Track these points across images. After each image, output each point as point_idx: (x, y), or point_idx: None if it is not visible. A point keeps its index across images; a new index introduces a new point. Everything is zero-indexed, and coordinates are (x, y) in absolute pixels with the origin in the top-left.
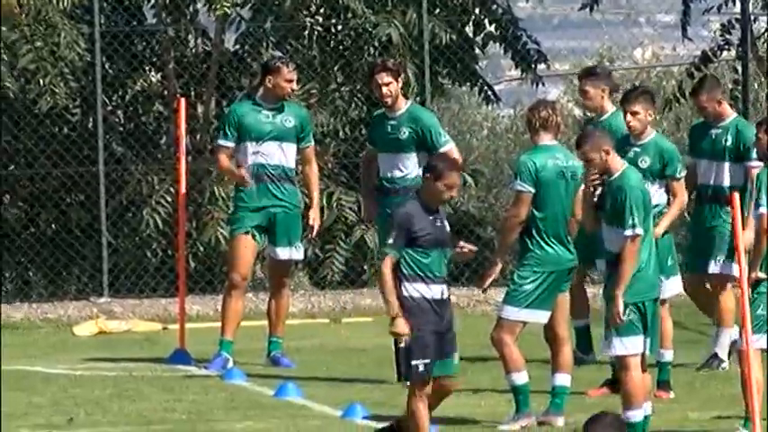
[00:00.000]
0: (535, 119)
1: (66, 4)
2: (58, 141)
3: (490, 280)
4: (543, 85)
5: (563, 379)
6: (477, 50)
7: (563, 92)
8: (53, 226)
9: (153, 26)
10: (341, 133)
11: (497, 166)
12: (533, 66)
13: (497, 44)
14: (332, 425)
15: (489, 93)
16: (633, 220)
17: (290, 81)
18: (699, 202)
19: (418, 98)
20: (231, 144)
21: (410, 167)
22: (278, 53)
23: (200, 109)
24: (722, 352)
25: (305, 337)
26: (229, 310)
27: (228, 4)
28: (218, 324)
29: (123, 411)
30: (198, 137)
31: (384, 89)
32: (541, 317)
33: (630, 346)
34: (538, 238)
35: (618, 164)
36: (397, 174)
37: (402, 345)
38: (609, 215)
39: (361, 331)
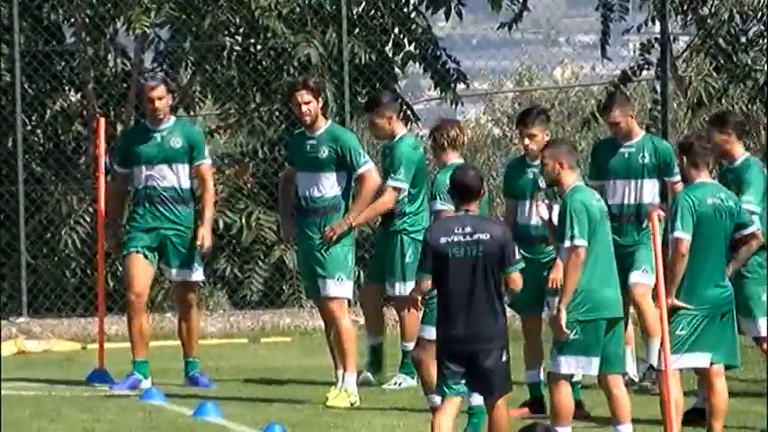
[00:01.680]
0: (443, 138)
1: None
2: None
3: None
4: (462, 104)
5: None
6: (397, 70)
7: (482, 111)
8: None
9: (72, 45)
10: (260, 153)
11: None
12: (453, 85)
13: (417, 63)
14: None
15: (408, 112)
16: (572, 231)
17: (154, 99)
18: (618, 221)
19: (338, 118)
20: (122, 170)
21: (329, 187)
22: (148, 71)
23: (119, 128)
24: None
25: (223, 357)
26: (133, 329)
27: (147, 24)
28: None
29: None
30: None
31: (304, 107)
32: None
33: (573, 365)
34: None
35: (570, 180)
36: (316, 193)
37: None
38: (558, 231)
39: (280, 351)
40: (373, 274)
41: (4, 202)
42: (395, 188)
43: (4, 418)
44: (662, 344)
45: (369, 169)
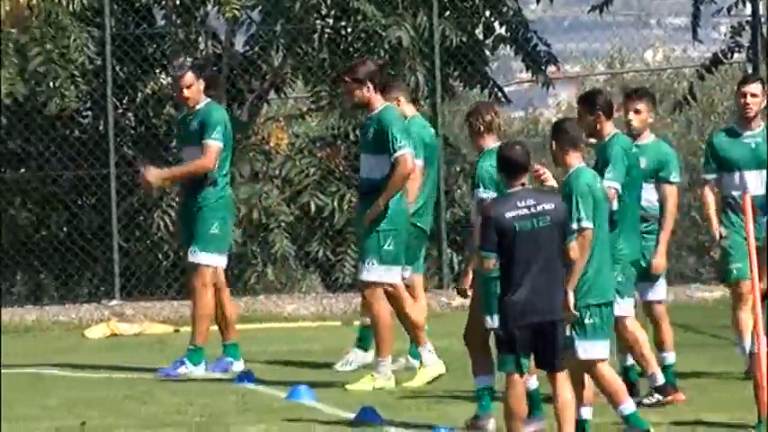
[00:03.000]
0: (479, 122)
1: (76, 6)
2: (68, 144)
3: None
4: (553, 87)
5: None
6: (488, 53)
7: (574, 94)
8: (64, 229)
9: (163, 29)
10: (351, 135)
11: None
12: (544, 68)
13: (508, 46)
14: (344, 428)
15: (500, 95)
16: (579, 213)
17: (182, 87)
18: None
19: (429, 100)
20: None
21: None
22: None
23: None
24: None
25: (317, 340)
26: (219, 313)
27: (238, 6)
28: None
29: (136, 414)
30: None
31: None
32: None
33: (595, 350)
34: None
35: (574, 161)
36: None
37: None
38: None
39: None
40: None
41: (96, 186)
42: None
43: (97, 399)
44: (755, 326)
45: (403, 153)
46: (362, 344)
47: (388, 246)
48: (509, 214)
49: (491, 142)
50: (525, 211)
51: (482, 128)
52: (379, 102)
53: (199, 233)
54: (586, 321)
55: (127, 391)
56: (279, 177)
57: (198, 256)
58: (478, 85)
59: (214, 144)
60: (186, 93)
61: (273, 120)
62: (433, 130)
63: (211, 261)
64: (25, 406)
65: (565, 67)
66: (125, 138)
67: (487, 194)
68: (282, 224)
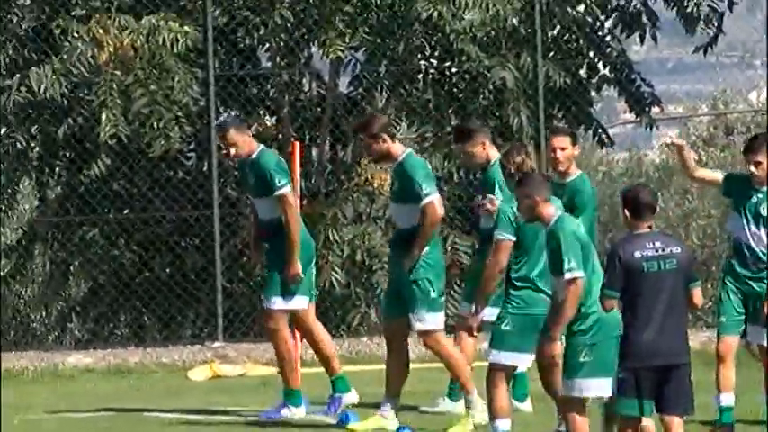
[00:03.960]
0: (510, 164)
1: (180, 48)
2: (172, 185)
3: None
4: (658, 128)
5: None
6: (592, 93)
7: (677, 135)
8: (167, 270)
9: (267, 70)
10: (455, 176)
11: (612, 209)
12: (647, 109)
13: (612, 87)
14: None
15: (604, 136)
16: (570, 264)
17: (225, 148)
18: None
19: (533, 142)
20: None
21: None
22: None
23: (314, 152)
24: None
25: (421, 382)
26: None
27: (342, 48)
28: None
29: None
30: (312, 180)
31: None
32: None
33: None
34: None
35: (551, 210)
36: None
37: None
38: (549, 263)
39: (481, 375)
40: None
41: (200, 227)
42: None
43: None
44: None
45: (431, 200)
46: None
47: (434, 293)
48: (638, 254)
49: None
50: (653, 252)
51: (512, 169)
52: (399, 150)
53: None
54: (581, 359)
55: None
56: (382, 218)
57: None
58: (582, 126)
59: (286, 190)
60: (234, 151)
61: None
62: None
63: (289, 305)
64: None
65: (668, 108)
66: (229, 179)
67: (504, 236)
68: (386, 265)
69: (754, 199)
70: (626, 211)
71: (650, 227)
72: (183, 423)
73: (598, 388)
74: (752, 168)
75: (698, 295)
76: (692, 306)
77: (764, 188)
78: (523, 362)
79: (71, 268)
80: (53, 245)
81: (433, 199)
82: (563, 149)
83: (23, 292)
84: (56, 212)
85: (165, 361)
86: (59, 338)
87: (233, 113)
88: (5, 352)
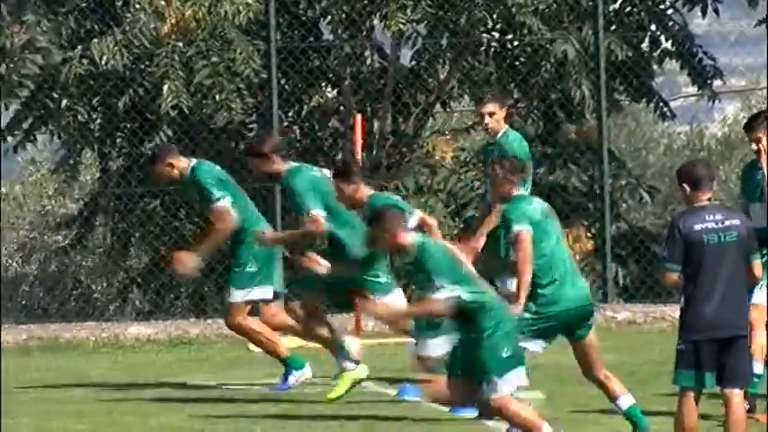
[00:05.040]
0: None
1: (242, 19)
2: (233, 157)
3: None
4: (720, 101)
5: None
6: (653, 67)
7: (739, 108)
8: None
9: (329, 42)
10: None
11: (674, 182)
12: (709, 82)
13: (673, 60)
14: None
15: (665, 109)
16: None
17: None
18: None
19: (595, 114)
20: None
21: None
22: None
23: (376, 125)
24: None
25: None
26: None
27: (404, 20)
28: (394, 340)
29: (299, 428)
30: (374, 153)
31: None
32: None
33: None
34: None
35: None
36: None
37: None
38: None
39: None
40: None
41: (261, 199)
42: None
43: (261, 413)
44: None
45: (313, 215)
46: None
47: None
48: (698, 227)
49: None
50: (713, 225)
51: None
52: (284, 167)
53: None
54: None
55: (291, 406)
56: (443, 191)
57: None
58: (644, 99)
59: (219, 204)
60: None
61: (439, 133)
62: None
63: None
64: (188, 419)
65: (730, 81)
66: (290, 151)
67: (521, 227)
68: (447, 238)
69: (759, 176)
70: (684, 184)
71: (710, 199)
72: (244, 395)
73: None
74: (753, 147)
75: (758, 267)
76: (752, 278)
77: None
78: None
79: (132, 239)
80: (114, 216)
81: (314, 213)
82: (491, 115)
83: (84, 263)
84: (117, 184)
85: (226, 332)
86: (120, 309)
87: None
88: (65, 322)
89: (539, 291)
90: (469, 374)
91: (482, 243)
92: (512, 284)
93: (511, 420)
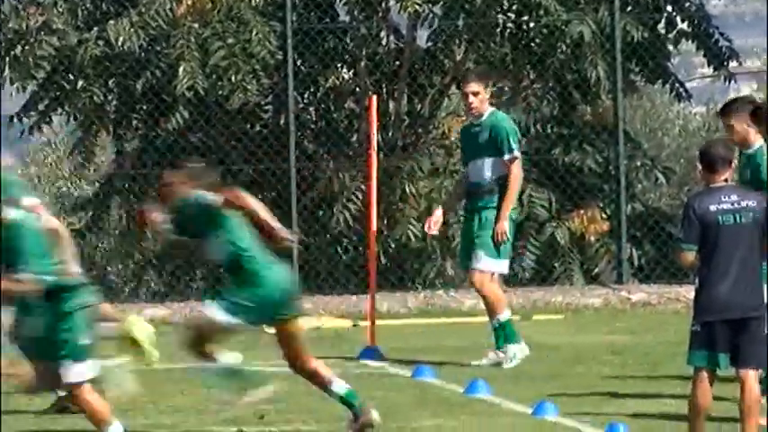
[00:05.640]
0: None
1: (258, 1)
2: (249, 138)
3: None
4: (735, 82)
5: None
6: (670, 47)
7: (755, 89)
8: None
9: (345, 23)
10: (532, 130)
11: (689, 163)
12: (725, 63)
13: (689, 41)
14: (523, 423)
15: (681, 90)
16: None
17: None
18: None
19: (610, 95)
20: None
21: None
22: None
23: (391, 106)
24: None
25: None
26: None
27: (419, 2)
28: (409, 321)
29: (313, 409)
30: (390, 134)
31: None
32: None
33: None
34: None
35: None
36: None
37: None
38: None
39: (552, 328)
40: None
41: (277, 180)
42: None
43: (276, 392)
44: None
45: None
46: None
47: None
48: (713, 207)
49: None
50: (729, 205)
51: None
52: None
53: None
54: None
55: (305, 386)
56: (459, 172)
57: None
58: (660, 80)
59: None
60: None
61: (454, 115)
62: None
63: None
64: (203, 400)
65: (746, 62)
66: (306, 132)
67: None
68: (462, 219)
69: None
70: (701, 165)
71: (726, 180)
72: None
73: None
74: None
75: None
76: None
77: (748, 151)
78: None
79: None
80: (130, 198)
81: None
82: (476, 94)
83: (100, 245)
84: (133, 165)
85: None
86: (135, 291)
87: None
88: None
89: (243, 277)
90: (45, 357)
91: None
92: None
93: (84, 409)
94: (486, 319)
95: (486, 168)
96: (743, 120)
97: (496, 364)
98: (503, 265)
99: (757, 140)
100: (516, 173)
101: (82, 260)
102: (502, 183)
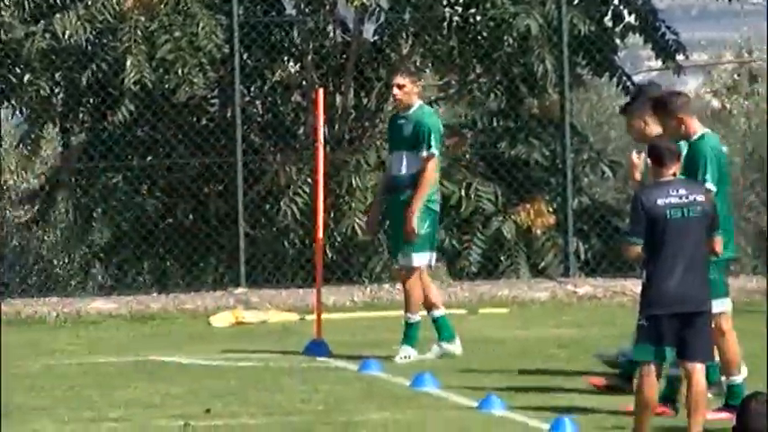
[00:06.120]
0: None
1: None
2: (196, 132)
3: None
4: (684, 74)
5: None
6: (617, 41)
7: (701, 83)
8: (191, 217)
9: (292, 17)
10: (479, 123)
11: None
12: (672, 56)
13: (636, 35)
14: (468, 416)
15: (628, 83)
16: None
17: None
18: None
19: (557, 89)
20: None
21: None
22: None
23: (338, 100)
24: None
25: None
26: None
27: None
28: (355, 315)
29: (260, 402)
30: (336, 127)
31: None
32: None
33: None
34: None
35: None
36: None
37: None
38: None
39: (499, 322)
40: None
41: (224, 173)
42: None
43: (222, 387)
44: None
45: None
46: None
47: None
48: (661, 201)
49: None
50: (677, 199)
51: None
52: None
53: None
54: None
55: (252, 380)
56: None
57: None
58: (606, 74)
59: None
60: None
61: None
62: (725, 148)
63: None
64: (149, 394)
65: (692, 55)
66: (252, 125)
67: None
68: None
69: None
70: (649, 159)
71: (674, 174)
72: (205, 369)
73: None
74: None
75: (719, 243)
76: (713, 254)
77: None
78: None
79: (94, 215)
80: (76, 191)
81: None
82: (401, 87)
83: (46, 238)
84: (79, 159)
85: (188, 307)
86: (82, 284)
87: None
88: (27, 297)
89: None
90: None
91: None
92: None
93: None
94: (432, 312)
95: (404, 161)
96: (640, 116)
97: (443, 356)
98: (423, 258)
99: (700, 130)
100: (430, 170)
101: (29, 254)
102: (418, 178)
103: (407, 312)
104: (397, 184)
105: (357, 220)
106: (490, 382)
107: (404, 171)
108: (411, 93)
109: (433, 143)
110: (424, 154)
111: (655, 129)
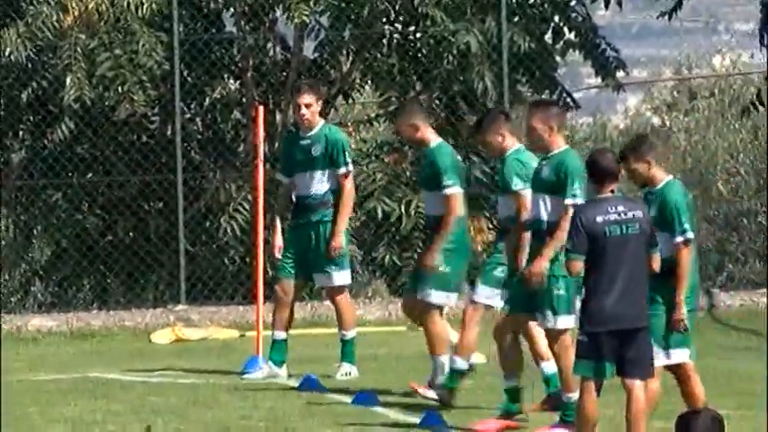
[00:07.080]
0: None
1: (145, 11)
2: (136, 149)
3: None
4: (624, 91)
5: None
6: (557, 58)
7: (641, 100)
8: (131, 234)
9: (232, 34)
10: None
11: None
12: (612, 74)
13: (577, 52)
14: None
15: (568, 100)
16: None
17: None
18: None
19: (497, 106)
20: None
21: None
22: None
23: (278, 117)
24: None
25: (382, 345)
26: None
27: (307, 12)
28: (296, 331)
29: (201, 419)
30: (276, 145)
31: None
32: None
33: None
34: None
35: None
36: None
37: None
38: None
39: None
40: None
41: (163, 190)
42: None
43: (162, 404)
44: None
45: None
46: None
47: None
48: (600, 219)
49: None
50: (615, 216)
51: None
52: None
53: None
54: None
55: (192, 396)
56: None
57: None
58: (547, 90)
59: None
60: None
61: (341, 125)
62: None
63: None
64: (89, 411)
65: (633, 72)
66: (192, 143)
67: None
68: (349, 229)
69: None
70: (588, 175)
71: (612, 191)
72: (145, 386)
73: None
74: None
75: (657, 260)
76: (651, 270)
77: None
78: None
79: (34, 232)
80: (16, 208)
81: None
82: (308, 106)
83: None
84: (19, 176)
85: (128, 324)
86: (22, 302)
87: None
88: None
89: None
90: None
91: None
92: None
93: None
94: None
95: (318, 181)
96: (496, 132)
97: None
98: (346, 277)
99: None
100: (350, 188)
101: None
102: (336, 196)
103: (342, 330)
104: (307, 204)
105: None
106: (431, 400)
107: (320, 190)
108: (316, 112)
109: (348, 159)
110: (342, 171)
111: (512, 141)
